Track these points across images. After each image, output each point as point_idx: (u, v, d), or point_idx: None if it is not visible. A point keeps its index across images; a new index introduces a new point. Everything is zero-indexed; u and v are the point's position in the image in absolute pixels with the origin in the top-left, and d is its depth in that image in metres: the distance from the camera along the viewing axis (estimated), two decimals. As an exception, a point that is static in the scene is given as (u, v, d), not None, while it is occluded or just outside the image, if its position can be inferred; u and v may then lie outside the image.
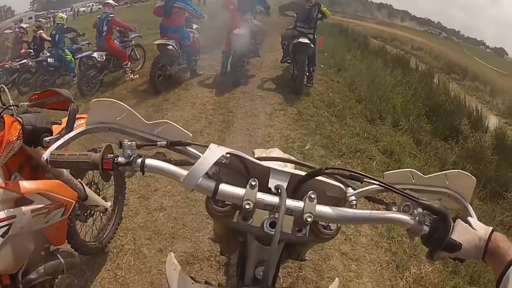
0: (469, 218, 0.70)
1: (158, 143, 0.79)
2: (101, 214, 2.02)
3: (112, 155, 0.73)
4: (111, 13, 6.15)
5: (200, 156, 0.67)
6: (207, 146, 0.70)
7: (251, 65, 6.72)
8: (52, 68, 6.73)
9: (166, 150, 0.79)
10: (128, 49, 6.46)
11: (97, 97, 5.41)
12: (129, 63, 6.32)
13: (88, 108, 0.82)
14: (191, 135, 0.80)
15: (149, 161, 0.72)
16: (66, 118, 1.15)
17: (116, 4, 6.50)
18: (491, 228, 0.66)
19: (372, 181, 0.72)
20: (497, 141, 6.20)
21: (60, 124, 1.37)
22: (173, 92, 5.34)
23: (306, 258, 1.03)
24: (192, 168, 0.65)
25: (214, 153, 0.67)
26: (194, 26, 6.30)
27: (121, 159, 0.72)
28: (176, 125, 0.81)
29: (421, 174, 0.79)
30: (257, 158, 0.77)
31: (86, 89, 5.70)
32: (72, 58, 6.80)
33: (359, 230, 2.61)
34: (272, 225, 0.70)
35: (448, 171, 0.78)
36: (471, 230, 0.67)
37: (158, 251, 2.25)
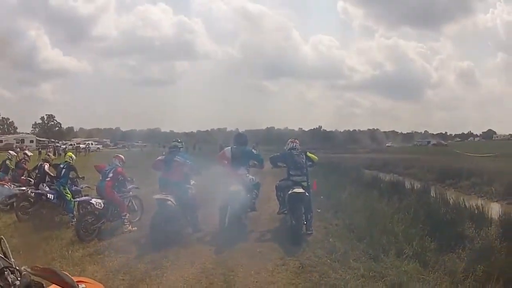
0: None
1: None
2: None
3: None
4: (119, 166, 6.52)
5: None
6: None
7: (249, 219, 6.67)
8: (50, 204, 6.69)
9: None
10: (126, 200, 6.53)
11: (95, 244, 5.53)
12: (128, 214, 6.31)
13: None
14: None
15: None
16: None
17: (124, 161, 6.80)
18: None
19: None
20: (503, 228, 6.18)
21: None
22: (172, 249, 5.25)
23: None
24: None
25: None
26: (192, 182, 6.36)
27: None
28: None
29: None
30: None
31: (84, 235, 5.66)
32: (72, 199, 6.78)
33: None
34: None
35: None
36: None
37: None
